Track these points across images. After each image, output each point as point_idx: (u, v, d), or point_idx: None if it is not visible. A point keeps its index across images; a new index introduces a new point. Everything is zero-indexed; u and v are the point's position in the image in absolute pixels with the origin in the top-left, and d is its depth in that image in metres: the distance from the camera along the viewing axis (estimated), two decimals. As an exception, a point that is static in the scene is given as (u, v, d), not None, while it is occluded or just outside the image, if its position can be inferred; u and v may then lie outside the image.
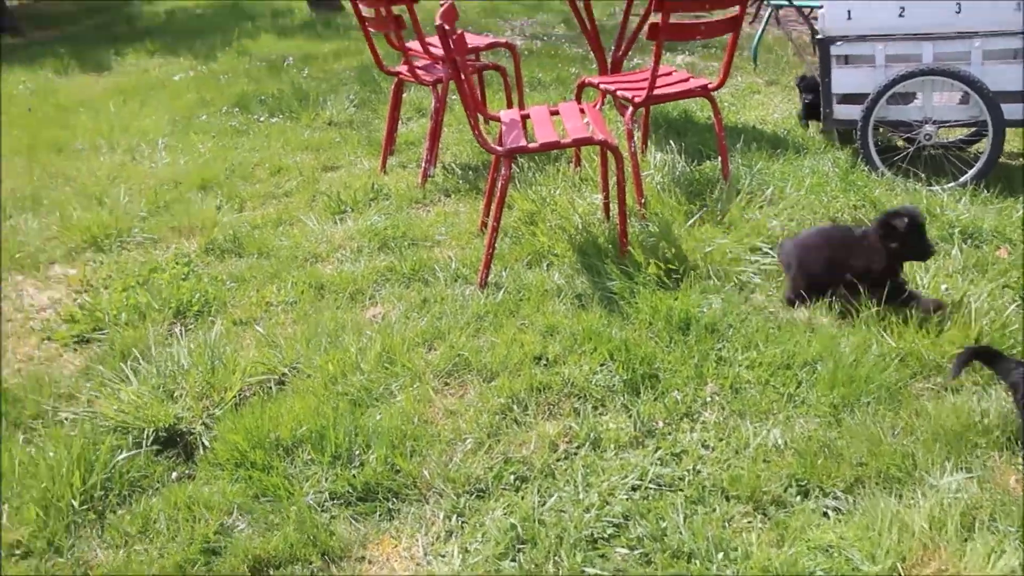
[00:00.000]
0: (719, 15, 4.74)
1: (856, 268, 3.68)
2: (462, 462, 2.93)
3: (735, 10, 4.66)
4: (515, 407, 3.20)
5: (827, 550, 2.48)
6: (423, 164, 5.52)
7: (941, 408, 3.09)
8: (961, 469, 2.82)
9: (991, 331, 3.46)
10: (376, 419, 3.14)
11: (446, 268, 4.31)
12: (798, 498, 2.71)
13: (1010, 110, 5.09)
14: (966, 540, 2.53)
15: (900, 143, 5.55)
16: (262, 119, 7.60)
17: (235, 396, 3.35)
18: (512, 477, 2.85)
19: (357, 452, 2.99)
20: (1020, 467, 2.86)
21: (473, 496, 2.80)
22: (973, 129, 5.51)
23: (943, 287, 3.85)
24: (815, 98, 5.70)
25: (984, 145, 5.19)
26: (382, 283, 4.30)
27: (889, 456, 2.85)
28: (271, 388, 3.43)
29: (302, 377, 3.48)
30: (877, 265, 3.64)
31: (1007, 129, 5.14)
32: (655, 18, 4.36)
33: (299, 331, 3.82)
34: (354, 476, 2.88)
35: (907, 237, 3.57)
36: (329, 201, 5.37)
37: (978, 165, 5.14)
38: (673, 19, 4.47)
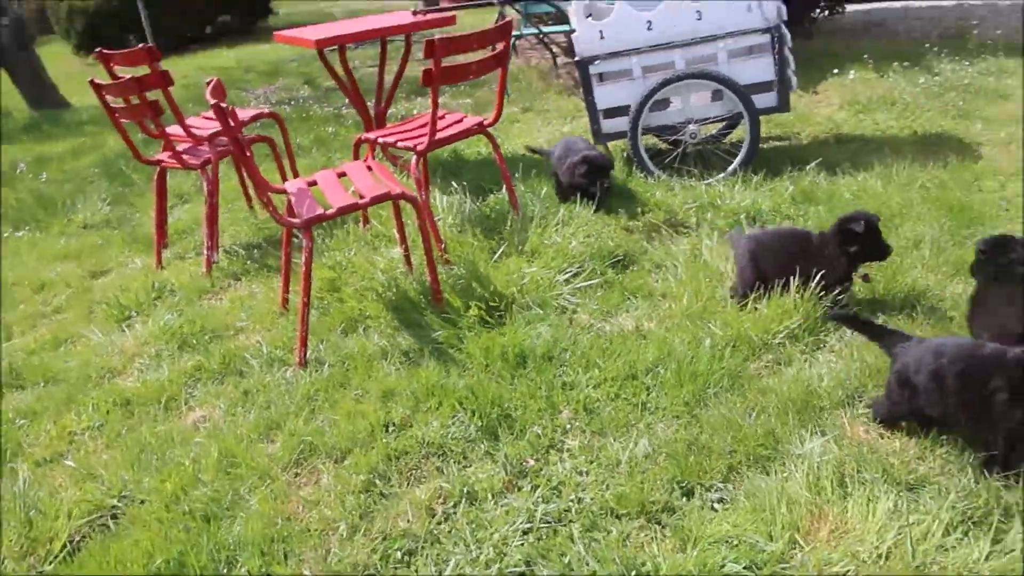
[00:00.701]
0: (484, 53, 4.82)
1: (813, 271, 3.73)
2: (341, 551, 2.75)
3: (500, 47, 4.75)
4: (377, 481, 3.05)
5: (728, 541, 2.53)
6: (205, 251, 5.22)
7: (781, 382, 3.25)
8: (817, 433, 2.96)
9: (803, 304, 3.66)
10: (235, 530, 2.89)
11: (258, 354, 4.07)
12: (684, 499, 2.75)
13: (760, 100, 5.52)
14: (845, 497, 2.65)
15: (664, 146, 5.87)
16: (6, 234, 6.95)
17: (65, 544, 2.99)
18: (399, 553, 2.70)
19: (225, 571, 2.73)
20: (865, 419, 3.05)
21: (366, 584, 2.63)
22: (725, 123, 5.92)
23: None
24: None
25: (743, 134, 5.58)
26: (194, 384, 3.98)
27: (752, 438, 2.95)
28: (106, 524, 3.08)
29: (136, 505, 3.15)
30: (838, 269, 3.73)
31: (762, 116, 5.59)
32: (427, 64, 4.35)
33: (117, 456, 3.46)
34: (230, 597, 2.64)
35: (866, 239, 3.69)
36: (109, 309, 4.94)
37: (742, 153, 5.54)
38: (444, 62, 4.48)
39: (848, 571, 2.37)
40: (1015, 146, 6.20)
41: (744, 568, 2.42)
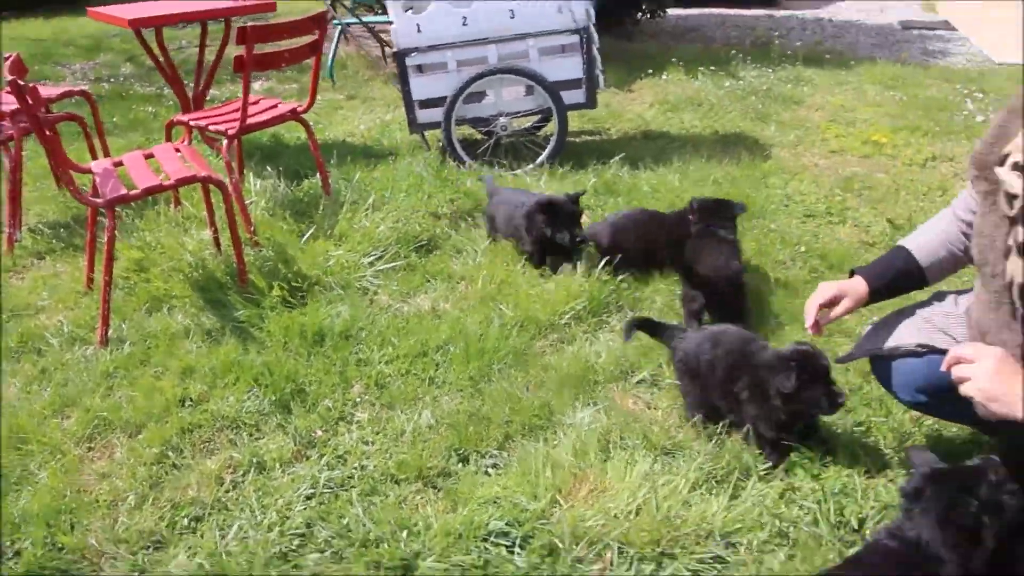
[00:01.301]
0: (300, 41, 4.90)
1: (670, 245, 4.21)
2: (129, 520, 2.81)
3: (315, 35, 4.85)
4: (170, 453, 3.12)
5: (495, 501, 2.74)
6: (7, 229, 5.08)
7: (562, 359, 3.51)
8: (589, 404, 3.24)
9: (589, 286, 3.95)
10: (21, 504, 2.90)
11: (58, 333, 4.03)
12: (460, 465, 2.96)
13: (569, 96, 5.83)
14: (606, 460, 2.91)
15: (481, 136, 6.11)
16: None
17: None
18: (186, 520, 2.79)
19: (7, 544, 2.75)
20: (636, 395, 3.34)
21: (151, 550, 2.70)
22: (540, 116, 6.21)
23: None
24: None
25: (552, 128, 5.88)
26: (-13, 364, 3.92)
27: (528, 409, 3.19)
28: None
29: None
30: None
31: (568, 112, 5.89)
32: (239, 50, 4.40)
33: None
34: (12, 567, 2.66)
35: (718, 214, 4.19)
36: (-102, 289, 4.76)
37: (550, 146, 5.85)
38: (257, 49, 4.54)
39: (599, 525, 2.62)
40: (802, 148, 6.76)
41: (506, 525, 2.62)
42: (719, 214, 4.16)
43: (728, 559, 2.54)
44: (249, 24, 4.40)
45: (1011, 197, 2.26)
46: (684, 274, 4.03)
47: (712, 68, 8.82)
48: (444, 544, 2.55)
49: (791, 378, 2.81)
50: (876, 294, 2.87)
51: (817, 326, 2.86)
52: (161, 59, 5.94)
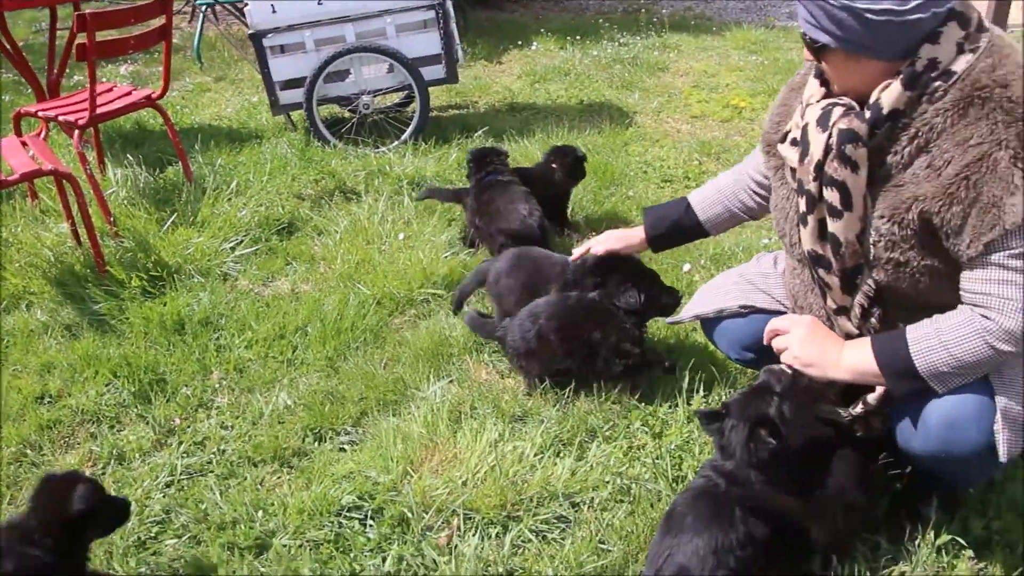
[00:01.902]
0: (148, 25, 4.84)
1: (544, 197, 4.40)
2: (-17, 521, 2.82)
3: (163, 20, 4.79)
4: (29, 451, 3.13)
5: (349, 476, 2.84)
6: None
7: (418, 335, 3.62)
8: (442, 377, 3.36)
9: (448, 262, 4.07)
10: None
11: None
12: (315, 444, 3.05)
13: (429, 72, 5.89)
14: (456, 431, 3.04)
15: (348, 115, 6.14)
16: None
17: None
18: (41, 516, 2.82)
19: None
20: (490, 364, 3.48)
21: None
22: (406, 93, 6.26)
23: (400, 235, 4.42)
24: None
25: (415, 106, 5.94)
26: None
27: (383, 385, 3.30)
28: None
29: None
30: (561, 192, 4.62)
31: (430, 88, 5.96)
32: (82, 38, 4.33)
33: None
34: None
35: (577, 167, 4.59)
36: None
37: (413, 123, 5.92)
38: (104, 35, 4.47)
39: (447, 494, 2.74)
40: (665, 114, 6.98)
41: (358, 499, 2.73)
42: (492, 161, 4.48)
43: (571, 518, 2.70)
44: (89, 10, 4.33)
45: (792, 170, 2.46)
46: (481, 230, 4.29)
47: (580, 37, 8.98)
48: (298, 522, 2.64)
49: (634, 294, 3.10)
50: (655, 241, 3.13)
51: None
52: (8, 46, 5.74)
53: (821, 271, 2.45)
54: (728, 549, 2.19)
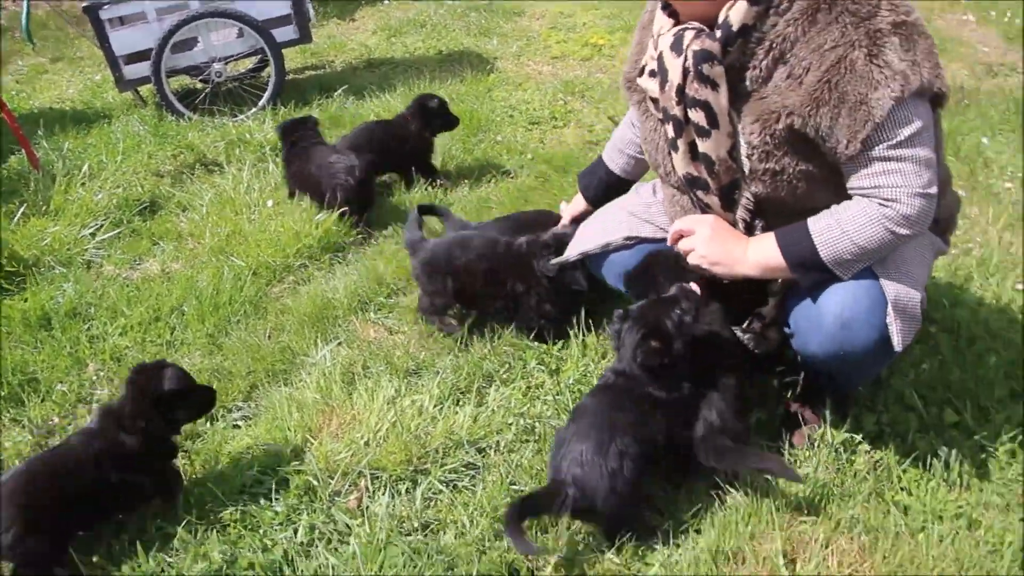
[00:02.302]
0: None
1: (403, 150, 4.49)
2: None
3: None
4: None
5: (247, 453, 2.73)
6: None
7: (299, 301, 3.51)
8: (330, 341, 3.27)
9: (322, 225, 3.95)
10: None
11: None
12: (208, 425, 2.92)
13: (280, 33, 5.68)
14: (351, 392, 2.97)
15: (201, 86, 5.87)
16: None
17: None
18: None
19: None
20: (377, 322, 3.41)
21: None
22: (259, 58, 6.03)
23: (268, 203, 4.28)
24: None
25: (270, 70, 5.72)
26: None
27: (271, 356, 3.20)
28: None
29: None
30: (420, 143, 4.53)
31: (284, 50, 5.75)
32: None
33: None
34: None
35: (440, 113, 4.53)
36: None
37: (270, 88, 5.70)
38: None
39: (350, 456, 2.68)
40: (525, 58, 6.94)
41: (260, 473, 2.64)
42: (302, 129, 4.42)
43: (479, 464, 2.67)
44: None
45: (655, 101, 2.48)
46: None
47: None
48: (200, 506, 2.53)
49: (550, 263, 3.09)
50: (595, 204, 3.21)
51: None
52: None
53: (699, 192, 2.47)
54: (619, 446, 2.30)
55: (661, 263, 2.71)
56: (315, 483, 2.58)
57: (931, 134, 2.24)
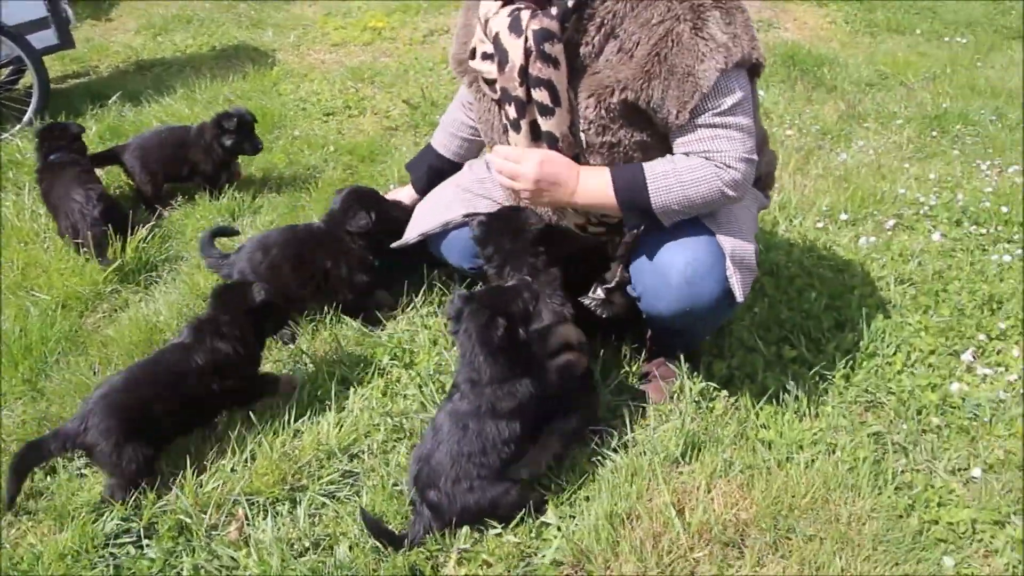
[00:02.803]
0: None
1: (193, 162, 4.22)
2: None
3: None
4: None
5: (102, 503, 2.50)
6: None
7: (121, 329, 3.25)
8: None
9: (130, 247, 3.67)
10: None
11: None
12: (48, 479, 2.63)
13: (38, 39, 5.20)
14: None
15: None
16: None
17: None
18: None
19: None
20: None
21: None
22: (12, 69, 5.50)
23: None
24: None
25: (31, 79, 5.24)
26: None
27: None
28: None
29: None
30: (214, 158, 4.20)
31: (43, 56, 5.27)
32: None
33: None
34: None
35: (240, 132, 4.17)
36: None
37: (34, 101, 5.23)
38: None
39: (220, 485, 2.51)
40: (304, 47, 6.74)
41: (123, 521, 2.41)
42: (55, 137, 4.07)
43: (356, 470, 2.60)
44: None
45: (490, 82, 2.47)
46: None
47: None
48: (63, 568, 2.30)
49: (364, 215, 3.12)
50: (424, 192, 3.19)
51: None
52: None
53: None
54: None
55: (499, 220, 2.73)
56: (187, 520, 2.40)
57: (751, 103, 2.39)
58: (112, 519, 2.42)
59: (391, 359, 3.04)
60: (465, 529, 2.34)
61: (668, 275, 2.47)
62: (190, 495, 2.46)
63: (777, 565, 2.28)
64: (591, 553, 2.28)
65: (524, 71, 2.34)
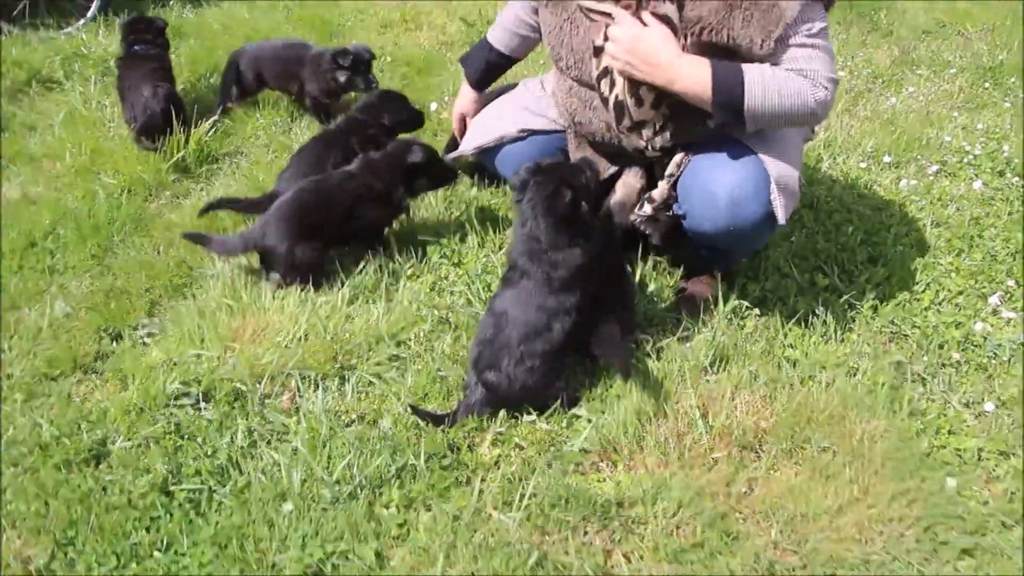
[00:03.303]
0: None
1: (302, 82, 4.26)
2: None
3: None
4: None
5: (164, 368, 2.67)
6: None
7: (183, 215, 3.43)
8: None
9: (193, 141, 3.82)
10: None
11: None
12: (114, 344, 2.84)
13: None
14: (259, 297, 2.98)
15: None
16: None
17: None
18: None
19: None
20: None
21: None
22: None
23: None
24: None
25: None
26: None
27: (167, 272, 3.15)
28: None
29: None
30: (324, 87, 4.19)
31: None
32: None
33: None
34: None
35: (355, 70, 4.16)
36: None
37: None
38: None
39: (275, 360, 2.67)
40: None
41: (183, 385, 2.60)
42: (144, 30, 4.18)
43: (403, 355, 2.75)
44: None
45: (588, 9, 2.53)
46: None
47: None
48: (127, 422, 2.48)
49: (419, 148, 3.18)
50: (480, 84, 3.29)
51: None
52: None
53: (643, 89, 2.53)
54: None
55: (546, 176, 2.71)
56: (243, 388, 2.59)
57: (828, 32, 2.43)
58: (173, 382, 2.59)
59: (440, 257, 3.19)
60: (502, 413, 2.50)
61: (715, 195, 2.57)
62: (246, 365, 2.63)
63: (790, 470, 2.42)
64: (618, 444, 2.43)
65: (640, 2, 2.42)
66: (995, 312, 3.14)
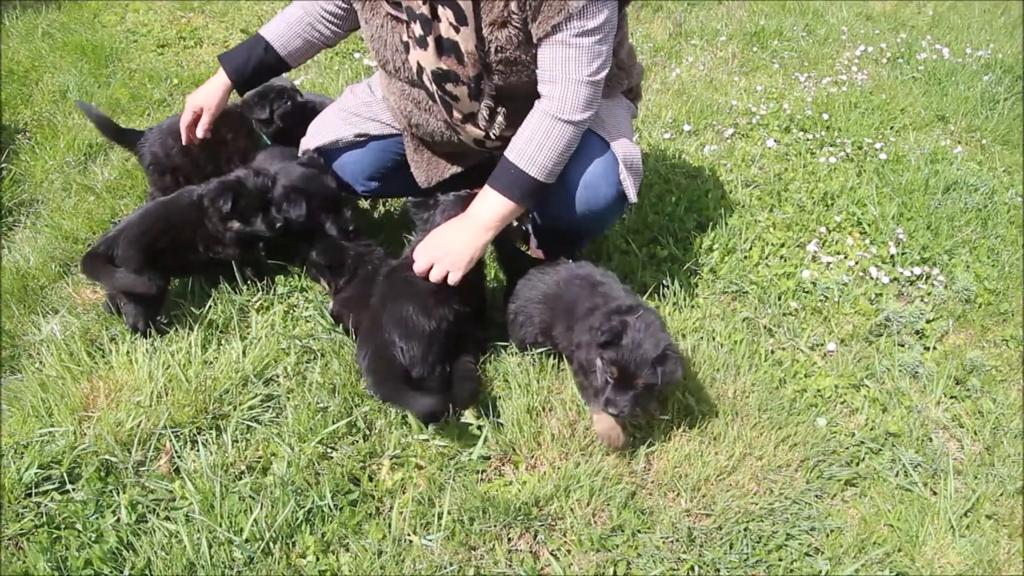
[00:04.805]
0: None
1: None
2: None
3: None
4: None
5: (13, 452, 2.43)
6: None
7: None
8: (50, 313, 2.95)
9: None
10: None
11: None
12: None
13: None
14: (103, 356, 2.73)
15: None
16: None
17: None
18: None
19: None
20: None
21: None
22: None
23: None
24: None
25: None
26: None
27: (-13, 343, 2.84)
28: None
29: None
30: None
31: None
32: None
33: None
34: None
35: None
36: None
37: None
38: None
39: (139, 421, 2.48)
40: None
41: (41, 468, 2.36)
42: None
43: (275, 393, 2.64)
44: None
45: (394, 3, 2.51)
46: None
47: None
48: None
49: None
50: (243, 86, 3.03)
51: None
52: None
53: (449, 85, 2.56)
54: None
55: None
56: (112, 460, 2.40)
57: (613, 29, 2.46)
58: (28, 468, 2.36)
59: (285, 288, 3.06)
60: (395, 435, 2.46)
61: (567, 185, 2.63)
62: (109, 433, 2.44)
63: (680, 439, 2.53)
64: (516, 444, 2.45)
65: None
66: (815, 259, 3.40)
